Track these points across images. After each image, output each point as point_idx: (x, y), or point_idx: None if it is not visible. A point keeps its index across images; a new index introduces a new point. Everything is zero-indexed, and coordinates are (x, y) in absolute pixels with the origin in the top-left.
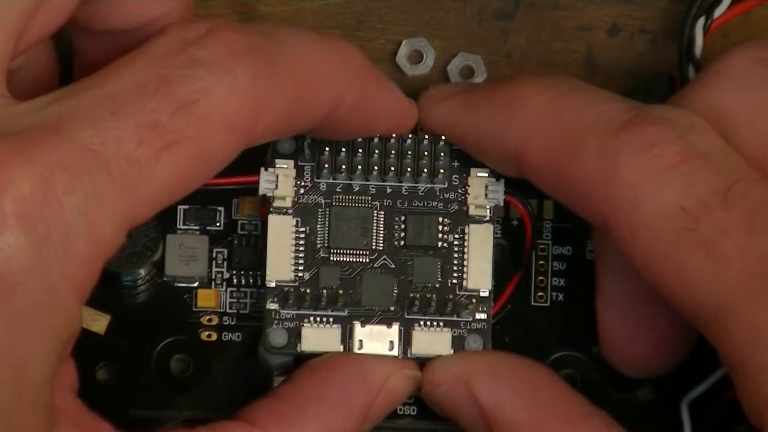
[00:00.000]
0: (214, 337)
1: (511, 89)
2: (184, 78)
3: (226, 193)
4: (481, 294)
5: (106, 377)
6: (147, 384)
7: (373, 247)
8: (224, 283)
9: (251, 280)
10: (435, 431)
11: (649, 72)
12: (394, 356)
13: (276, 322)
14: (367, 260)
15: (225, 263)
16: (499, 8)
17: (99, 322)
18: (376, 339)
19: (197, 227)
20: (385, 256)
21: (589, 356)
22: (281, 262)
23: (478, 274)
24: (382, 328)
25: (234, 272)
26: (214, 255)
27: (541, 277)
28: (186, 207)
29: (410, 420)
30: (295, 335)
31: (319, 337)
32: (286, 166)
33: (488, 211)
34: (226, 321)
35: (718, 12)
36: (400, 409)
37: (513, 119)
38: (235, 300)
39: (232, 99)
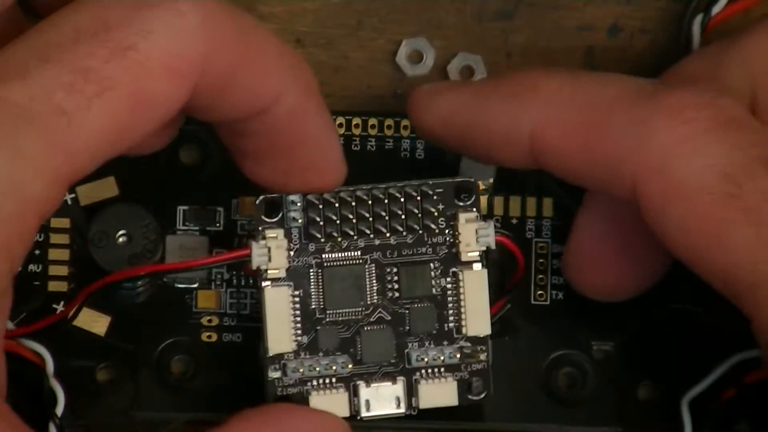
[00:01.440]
0: (215, 338)
1: (522, 77)
2: (125, 20)
3: (226, 193)
4: (480, 337)
5: (107, 378)
6: (147, 385)
7: (368, 302)
8: (224, 283)
9: (251, 281)
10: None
11: (649, 72)
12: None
13: (279, 389)
14: (363, 316)
15: (225, 264)
16: (499, 8)
17: (99, 324)
18: (383, 398)
19: (197, 228)
20: (380, 309)
21: (590, 355)
22: (282, 333)
23: (476, 320)
24: (387, 384)
25: (234, 273)
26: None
27: (540, 276)
28: (186, 208)
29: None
30: (301, 402)
31: (326, 404)
32: (276, 235)
33: (480, 255)
34: (226, 322)
35: (716, 9)
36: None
37: (527, 104)
38: (236, 301)
39: (176, 40)
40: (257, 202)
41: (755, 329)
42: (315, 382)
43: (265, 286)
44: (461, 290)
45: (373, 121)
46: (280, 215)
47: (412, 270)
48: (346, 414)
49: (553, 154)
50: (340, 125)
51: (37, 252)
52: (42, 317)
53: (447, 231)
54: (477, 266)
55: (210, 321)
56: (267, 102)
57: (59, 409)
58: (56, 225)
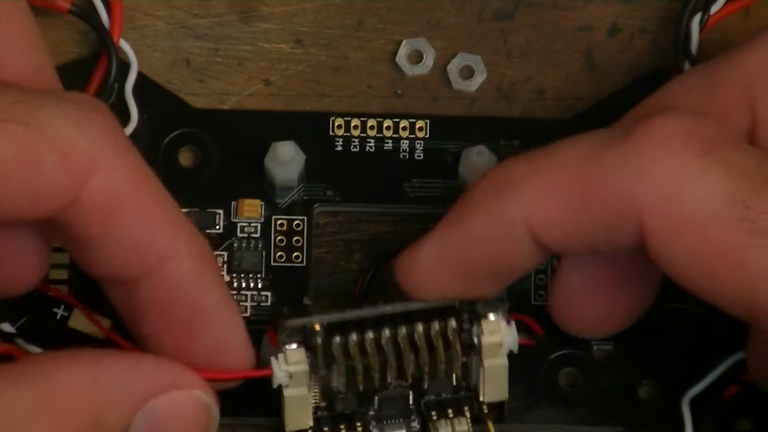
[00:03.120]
0: None
1: (490, 176)
2: (34, 97)
3: (225, 196)
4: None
5: None
6: None
7: (388, 381)
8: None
9: (252, 284)
10: None
11: (649, 72)
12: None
13: None
14: (381, 387)
15: (225, 266)
16: (499, 8)
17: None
18: None
19: None
20: (399, 381)
21: (590, 355)
22: (300, 416)
23: (494, 392)
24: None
25: (234, 275)
26: None
27: (540, 276)
28: (185, 210)
29: None
30: None
31: None
32: (299, 361)
33: (504, 357)
34: None
35: (715, 8)
36: None
37: (506, 193)
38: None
39: (73, 131)
40: (280, 328)
41: None
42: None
43: (286, 392)
44: (482, 374)
45: (372, 122)
46: (302, 335)
47: (433, 363)
48: None
49: (553, 231)
50: (339, 126)
51: None
52: (42, 321)
53: (471, 322)
54: (499, 360)
55: None
56: (157, 255)
57: None
58: None
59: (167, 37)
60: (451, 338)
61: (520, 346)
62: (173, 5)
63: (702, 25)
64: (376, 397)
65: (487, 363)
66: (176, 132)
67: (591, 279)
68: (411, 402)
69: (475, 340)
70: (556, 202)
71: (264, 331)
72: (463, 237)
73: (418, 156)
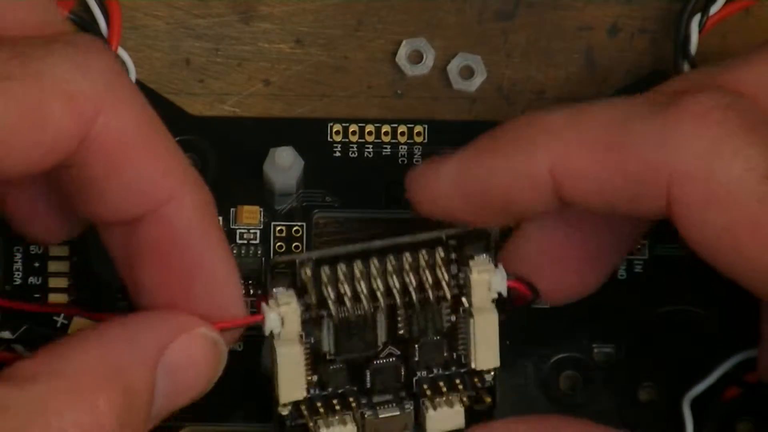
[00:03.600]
0: None
1: (524, 120)
2: (34, 45)
3: (224, 202)
4: (486, 378)
5: None
6: None
7: (379, 343)
8: None
9: (251, 290)
10: None
11: (649, 72)
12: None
13: (289, 421)
14: (373, 354)
15: None
16: (499, 8)
17: None
18: (391, 426)
19: None
20: (390, 347)
21: (591, 357)
22: (294, 383)
23: (485, 355)
24: (396, 414)
25: None
26: None
27: None
28: None
29: None
30: None
31: None
32: (289, 302)
33: (492, 303)
34: None
35: (714, 9)
36: None
37: (541, 143)
38: None
39: (76, 75)
40: (267, 264)
41: None
42: (324, 416)
43: (278, 346)
44: (472, 331)
45: (370, 127)
46: (291, 276)
47: (423, 315)
48: None
49: (580, 185)
50: (337, 132)
51: (36, 264)
52: (42, 330)
53: (460, 274)
54: (489, 312)
55: None
56: (161, 195)
57: None
58: None
59: (167, 37)
60: (439, 272)
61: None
62: (173, 5)
63: (701, 25)
64: (368, 371)
65: (477, 315)
66: (174, 139)
67: (547, 246)
68: (402, 377)
69: (463, 282)
70: (587, 157)
71: (263, 338)
72: (486, 170)
73: (417, 161)
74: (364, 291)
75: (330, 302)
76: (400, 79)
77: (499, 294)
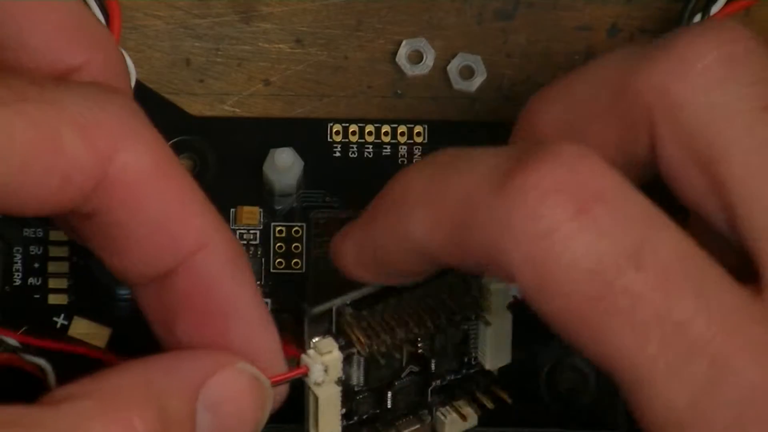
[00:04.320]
0: None
1: (392, 184)
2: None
3: (224, 203)
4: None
5: None
6: None
7: (402, 367)
8: None
9: None
10: None
11: None
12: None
13: None
14: (395, 377)
15: None
16: (499, 8)
17: (100, 336)
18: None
19: None
20: (410, 366)
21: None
22: (330, 422)
23: (499, 358)
24: (416, 428)
25: None
26: None
27: None
28: None
29: None
30: None
31: None
32: (331, 350)
33: (507, 308)
34: None
35: (715, 9)
36: None
37: (402, 213)
38: None
39: (94, 109)
40: (307, 316)
41: (641, 427)
42: None
43: (319, 393)
44: (487, 336)
45: (370, 128)
46: (328, 323)
47: (443, 335)
48: None
49: (439, 256)
50: (337, 132)
51: (36, 265)
52: (42, 331)
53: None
54: (504, 317)
55: None
56: (190, 240)
57: None
58: (55, 238)
59: (167, 37)
60: (451, 301)
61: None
62: (173, 5)
63: None
64: (389, 393)
65: (494, 321)
66: (174, 140)
67: None
68: (420, 390)
69: (478, 293)
70: (439, 234)
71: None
72: (371, 242)
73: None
74: (393, 326)
75: (364, 341)
76: (400, 79)
77: (515, 297)
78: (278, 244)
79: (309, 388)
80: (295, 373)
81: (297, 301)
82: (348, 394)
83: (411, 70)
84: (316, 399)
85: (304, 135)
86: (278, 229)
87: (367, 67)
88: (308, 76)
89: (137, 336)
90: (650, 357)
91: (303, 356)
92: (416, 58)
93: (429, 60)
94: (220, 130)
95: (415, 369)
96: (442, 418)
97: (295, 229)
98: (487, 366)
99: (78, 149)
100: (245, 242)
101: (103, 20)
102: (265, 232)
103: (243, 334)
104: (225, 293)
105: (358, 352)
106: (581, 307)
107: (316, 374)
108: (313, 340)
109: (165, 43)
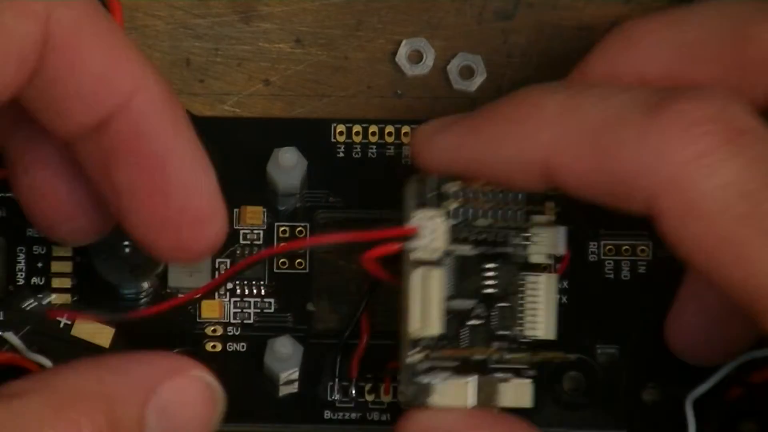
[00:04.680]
0: (219, 347)
1: (520, 100)
2: None
3: (227, 203)
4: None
5: None
6: None
7: (474, 296)
8: (228, 293)
9: (254, 291)
10: None
11: None
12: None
13: (412, 375)
14: (468, 310)
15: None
16: (499, 8)
17: (103, 335)
18: (481, 389)
19: None
20: (481, 304)
21: (593, 358)
22: (426, 316)
23: (544, 324)
24: (480, 378)
25: (237, 282)
26: (217, 266)
27: None
28: None
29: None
30: (425, 390)
31: (451, 392)
32: (434, 215)
33: (552, 260)
34: (230, 331)
35: None
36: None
37: (532, 128)
38: (239, 310)
39: None
40: (409, 184)
41: None
42: (439, 371)
43: (417, 268)
44: (534, 293)
45: (373, 128)
46: (431, 195)
47: (507, 268)
48: (464, 403)
49: (569, 175)
50: (341, 133)
51: (39, 265)
52: (45, 330)
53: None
54: (548, 272)
55: (214, 331)
56: (127, 86)
57: None
58: None
59: (167, 37)
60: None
61: None
62: (173, 5)
63: None
64: (463, 330)
65: (541, 275)
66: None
67: (707, 311)
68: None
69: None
70: (575, 154)
71: (267, 338)
72: (478, 145)
73: None
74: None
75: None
76: (400, 79)
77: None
78: (282, 244)
79: (409, 270)
80: (405, 232)
81: (301, 301)
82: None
83: (411, 70)
84: (414, 281)
85: (308, 135)
86: (282, 229)
87: (367, 67)
88: (308, 76)
89: (141, 335)
90: None
91: (412, 216)
92: (416, 58)
93: (429, 60)
94: (223, 130)
95: (483, 312)
96: (501, 384)
97: (298, 229)
98: (537, 332)
99: (20, 26)
100: (249, 242)
101: None
102: (269, 232)
103: (181, 174)
104: (161, 134)
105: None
106: (728, 227)
107: (426, 231)
108: (415, 211)
109: (165, 43)
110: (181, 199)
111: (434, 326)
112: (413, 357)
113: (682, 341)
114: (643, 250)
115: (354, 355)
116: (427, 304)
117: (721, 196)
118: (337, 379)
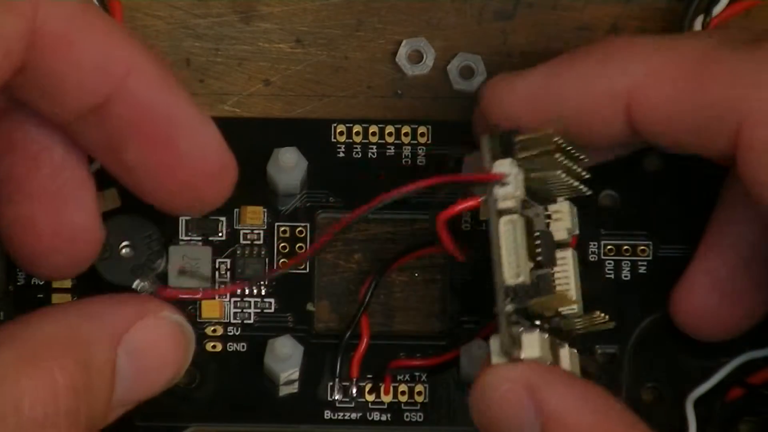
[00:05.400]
0: (219, 347)
1: (611, 41)
2: None
3: (228, 203)
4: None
5: None
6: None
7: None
8: (228, 293)
9: (255, 290)
10: None
11: None
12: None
13: (514, 324)
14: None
15: (228, 273)
16: (499, 8)
17: None
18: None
19: (199, 238)
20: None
21: (594, 358)
22: (517, 263)
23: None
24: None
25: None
26: (217, 265)
27: None
28: (188, 218)
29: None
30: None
31: (538, 344)
32: (512, 165)
33: (570, 237)
34: (230, 332)
35: (717, 10)
36: (407, 416)
37: (623, 63)
38: (239, 310)
39: None
40: (489, 137)
41: None
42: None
43: (506, 216)
44: (565, 267)
45: (374, 128)
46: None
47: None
48: (549, 358)
49: (653, 113)
50: (341, 133)
51: None
52: None
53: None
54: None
55: (214, 331)
56: (120, 68)
57: None
58: None
59: (167, 37)
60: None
61: None
62: (173, 5)
63: (704, 26)
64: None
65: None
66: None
67: (719, 285)
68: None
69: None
70: (667, 85)
71: (267, 338)
72: (563, 83)
73: (420, 162)
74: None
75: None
76: (400, 79)
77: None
78: (282, 244)
79: (494, 217)
80: (490, 177)
81: (301, 301)
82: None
83: (411, 70)
84: (502, 228)
85: (308, 135)
86: (282, 229)
87: (367, 67)
88: (308, 76)
89: None
90: None
91: (495, 165)
92: (416, 58)
93: (429, 60)
94: (224, 130)
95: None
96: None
97: (299, 229)
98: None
99: (5, 22)
100: (249, 242)
101: None
102: (269, 232)
103: (187, 140)
104: (162, 109)
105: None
106: None
107: (510, 174)
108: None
109: (165, 43)
110: (193, 162)
111: (523, 274)
112: (509, 306)
113: (693, 316)
114: (643, 250)
115: (354, 355)
116: (517, 252)
117: None
118: (337, 379)
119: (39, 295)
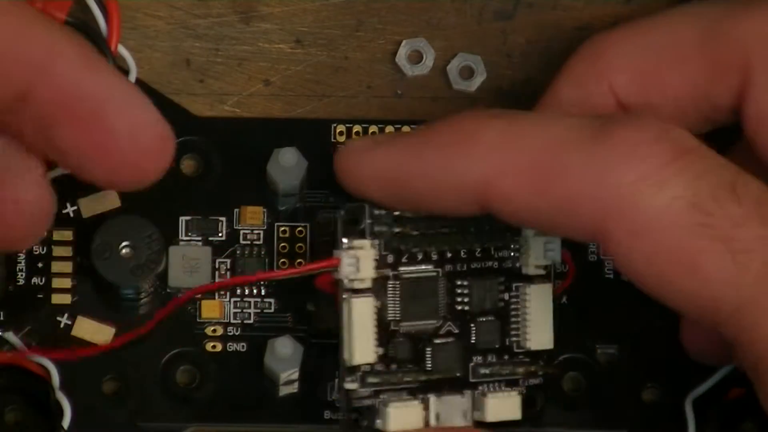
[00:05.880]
0: (219, 347)
1: (458, 125)
2: None
3: (227, 203)
4: (543, 351)
5: (112, 390)
6: (153, 396)
7: (439, 315)
8: (228, 293)
9: (255, 290)
10: None
11: None
12: None
13: (355, 401)
14: (433, 329)
15: (228, 273)
16: (499, 8)
17: (103, 335)
18: (451, 410)
19: (199, 238)
20: (449, 323)
21: (593, 358)
22: (364, 344)
23: (540, 334)
24: (456, 397)
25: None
26: (217, 266)
27: None
28: (188, 218)
29: None
30: (373, 413)
31: (402, 416)
32: (363, 246)
33: (546, 269)
34: (230, 332)
35: None
36: None
37: (470, 153)
38: (239, 310)
39: None
40: (341, 213)
41: (739, 355)
42: (388, 395)
43: (351, 297)
44: (526, 305)
45: (373, 128)
46: (362, 226)
47: (482, 284)
48: (420, 425)
49: (506, 203)
50: (341, 133)
51: (40, 265)
52: (46, 330)
53: (512, 245)
54: (543, 281)
55: (214, 331)
56: (39, 55)
57: (66, 422)
58: (59, 237)
59: (167, 38)
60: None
61: None
62: (173, 5)
63: None
64: (428, 350)
65: (533, 284)
66: (177, 140)
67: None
68: (461, 359)
69: (517, 252)
70: (517, 182)
71: (267, 338)
72: (414, 169)
73: None
74: (430, 252)
75: (401, 248)
76: (400, 79)
77: (553, 265)
78: (282, 244)
79: (342, 298)
80: (327, 264)
81: (301, 301)
82: (383, 329)
83: (411, 70)
84: (349, 309)
85: (308, 135)
86: (282, 229)
87: (367, 67)
88: (308, 76)
89: (141, 335)
90: (755, 279)
91: (335, 251)
92: (416, 58)
93: (429, 60)
94: (224, 130)
95: (454, 330)
96: (485, 398)
97: (298, 229)
98: (528, 344)
99: None
100: (249, 242)
101: (103, 20)
102: (269, 232)
103: (118, 115)
104: (86, 86)
105: (394, 275)
106: (679, 238)
107: (347, 267)
108: (344, 239)
109: (165, 43)
110: (127, 139)
111: (369, 354)
112: (350, 384)
113: (700, 350)
114: None
115: None
116: (359, 332)
117: (671, 210)
118: (337, 379)
119: (39, 295)
